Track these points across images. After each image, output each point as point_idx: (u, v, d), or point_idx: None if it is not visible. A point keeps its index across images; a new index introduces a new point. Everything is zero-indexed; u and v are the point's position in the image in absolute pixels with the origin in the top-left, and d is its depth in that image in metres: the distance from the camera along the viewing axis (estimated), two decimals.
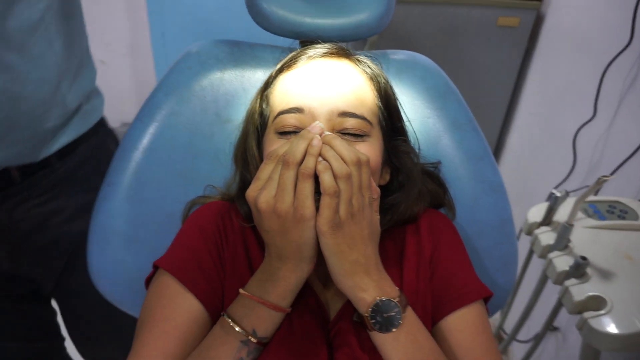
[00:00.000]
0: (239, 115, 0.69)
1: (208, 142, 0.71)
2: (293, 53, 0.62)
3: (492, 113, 1.72)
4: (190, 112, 0.71)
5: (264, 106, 0.61)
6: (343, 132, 0.55)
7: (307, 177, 0.48)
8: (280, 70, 0.62)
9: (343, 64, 0.60)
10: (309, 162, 0.48)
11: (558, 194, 0.93)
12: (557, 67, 1.46)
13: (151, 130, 0.70)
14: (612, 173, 1.11)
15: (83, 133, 0.78)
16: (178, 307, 0.55)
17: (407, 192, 0.62)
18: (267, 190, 0.49)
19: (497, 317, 1.44)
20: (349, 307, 0.57)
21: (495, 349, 0.57)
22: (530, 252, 1.09)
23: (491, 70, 1.63)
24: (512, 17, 1.54)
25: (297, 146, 0.49)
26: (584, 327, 0.78)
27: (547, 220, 0.97)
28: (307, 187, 0.48)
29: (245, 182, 0.63)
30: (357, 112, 0.56)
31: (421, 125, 0.71)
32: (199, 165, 0.71)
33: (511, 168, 1.75)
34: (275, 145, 0.55)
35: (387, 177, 0.63)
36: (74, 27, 0.72)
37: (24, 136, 0.68)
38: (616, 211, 0.98)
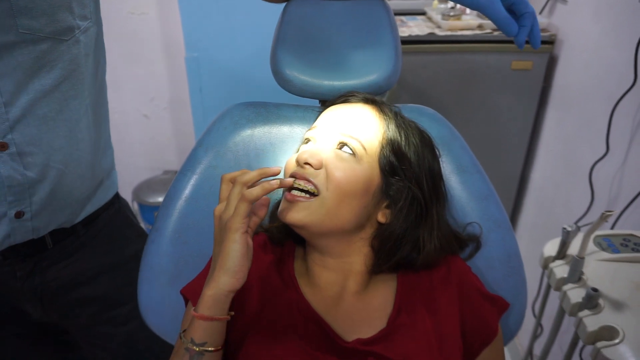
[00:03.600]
0: (268, 166, 0.80)
1: None
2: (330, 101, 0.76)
3: (513, 151, 1.77)
4: (226, 165, 0.82)
5: None
6: (342, 145, 0.66)
7: (244, 200, 0.57)
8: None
9: (366, 107, 0.71)
10: (254, 191, 0.57)
11: (569, 229, 0.98)
12: (571, 105, 1.52)
13: (192, 182, 0.81)
14: (626, 207, 1.15)
15: (104, 203, 0.89)
16: None
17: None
18: (222, 204, 0.61)
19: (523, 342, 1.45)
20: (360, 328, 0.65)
21: None
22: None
23: (510, 110, 1.70)
24: (526, 60, 1.62)
25: (251, 173, 0.60)
26: (597, 357, 0.81)
27: (561, 254, 1.01)
28: (241, 207, 0.57)
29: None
30: (355, 134, 0.66)
31: None
32: None
33: (535, 204, 1.78)
34: (292, 157, 0.70)
35: (388, 217, 0.67)
36: (102, 115, 0.86)
37: (62, 206, 0.79)
38: (630, 244, 1.02)
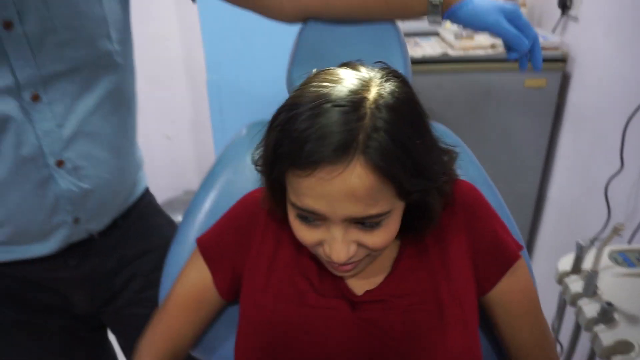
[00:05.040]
0: None
1: None
2: (297, 147, 0.53)
3: (530, 169, 1.78)
4: (244, 180, 0.85)
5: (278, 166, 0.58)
6: (362, 223, 0.57)
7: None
8: (292, 164, 0.54)
9: (354, 172, 0.52)
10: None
11: (583, 243, 0.98)
12: (586, 121, 1.53)
13: (212, 196, 0.85)
14: None
15: (137, 198, 0.97)
16: (189, 280, 0.74)
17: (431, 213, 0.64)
18: None
19: None
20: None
21: (542, 318, 0.71)
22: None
23: (525, 128, 1.71)
24: (539, 78, 1.63)
25: None
26: None
27: (576, 269, 1.01)
28: None
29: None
30: (372, 213, 0.55)
31: None
32: None
33: (554, 221, 1.77)
34: (301, 227, 0.60)
35: None
36: (134, 121, 0.93)
37: (109, 208, 0.88)
38: None
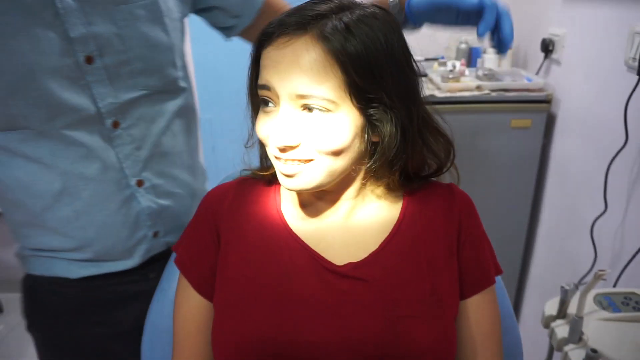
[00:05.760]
0: None
1: None
2: (267, 27, 0.62)
3: (519, 207, 1.79)
4: None
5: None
6: (309, 109, 0.59)
7: None
8: (261, 43, 0.62)
9: (305, 43, 0.58)
10: None
11: (567, 287, 0.98)
12: (571, 162, 1.55)
13: None
14: (627, 264, 1.15)
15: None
16: (187, 310, 0.73)
17: (386, 153, 0.64)
18: None
19: None
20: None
21: (500, 339, 0.73)
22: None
23: (512, 167, 1.73)
24: (525, 119, 1.67)
25: None
26: None
27: (561, 313, 1.01)
28: None
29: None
30: (315, 93, 0.57)
31: None
32: None
33: (543, 258, 1.77)
34: (260, 118, 0.64)
35: (380, 136, 0.64)
36: (197, 144, 1.00)
37: (183, 221, 0.88)
38: (631, 303, 1.01)
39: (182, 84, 0.86)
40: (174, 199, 0.88)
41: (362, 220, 0.70)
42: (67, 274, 0.83)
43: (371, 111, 0.61)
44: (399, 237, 0.69)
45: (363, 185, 0.70)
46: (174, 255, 0.84)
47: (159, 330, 0.84)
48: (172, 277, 0.84)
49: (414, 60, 0.65)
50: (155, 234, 0.87)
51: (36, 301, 0.89)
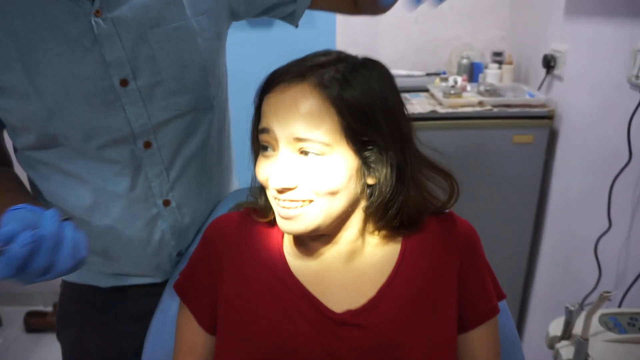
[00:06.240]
0: None
1: None
2: (269, 75, 0.66)
3: (521, 224, 1.77)
4: None
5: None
6: (305, 153, 0.62)
7: None
8: (263, 90, 0.66)
9: (303, 90, 0.61)
10: None
11: (572, 308, 0.97)
12: (574, 178, 1.55)
13: None
14: (632, 284, 1.13)
15: None
16: (186, 336, 0.73)
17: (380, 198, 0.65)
18: None
19: None
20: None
21: None
22: None
23: (515, 183, 1.72)
24: (526, 135, 1.67)
25: None
26: None
27: (566, 334, 1.00)
28: None
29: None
30: (311, 136, 0.60)
31: None
32: None
33: (546, 278, 1.76)
34: (259, 162, 0.67)
35: (373, 180, 0.65)
36: (231, 159, 1.00)
37: None
38: (638, 323, 1.00)
39: (215, 102, 0.86)
40: (198, 219, 0.89)
41: (361, 265, 0.70)
42: (98, 283, 0.87)
43: (366, 153, 0.64)
44: (397, 280, 0.68)
45: (362, 229, 0.70)
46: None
47: (160, 353, 0.83)
48: (172, 297, 0.83)
49: (405, 107, 0.69)
50: (179, 254, 0.88)
51: (67, 309, 0.92)
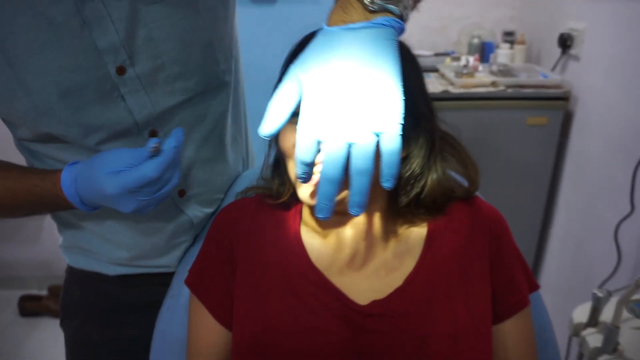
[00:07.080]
0: None
1: None
2: (299, 42, 0.64)
3: (532, 206, 1.74)
4: None
5: None
6: None
7: None
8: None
9: None
10: None
11: (600, 295, 0.93)
12: (591, 162, 1.50)
13: None
14: None
15: None
16: (201, 334, 0.68)
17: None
18: None
19: None
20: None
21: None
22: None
23: (527, 165, 1.69)
24: (541, 116, 1.62)
25: None
26: None
27: (592, 321, 0.96)
28: None
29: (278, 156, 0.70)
30: None
31: None
32: None
33: (556, 263, 1.73)
34: (285, 129, 0.60)
35: (404, 152, 0.64)
36: (247, 138, 0.95)
37: None
38: None
39: (226, 78, 0.78)
40: (216, 205, 0.84)
41: (385, 251, 0.65)
42: (105, 270, 0.82)
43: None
44: (425, 267, 0.64)
45: (386, 211, 0.66)
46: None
47: (169, 341, 0.77)
48: (182, 284, 0.78)
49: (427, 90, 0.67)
50: (196, 237, 0.84)
51: (72, 296, 0.87)
